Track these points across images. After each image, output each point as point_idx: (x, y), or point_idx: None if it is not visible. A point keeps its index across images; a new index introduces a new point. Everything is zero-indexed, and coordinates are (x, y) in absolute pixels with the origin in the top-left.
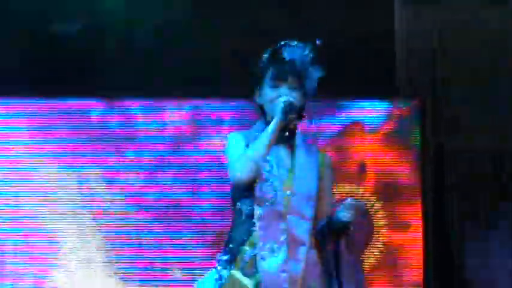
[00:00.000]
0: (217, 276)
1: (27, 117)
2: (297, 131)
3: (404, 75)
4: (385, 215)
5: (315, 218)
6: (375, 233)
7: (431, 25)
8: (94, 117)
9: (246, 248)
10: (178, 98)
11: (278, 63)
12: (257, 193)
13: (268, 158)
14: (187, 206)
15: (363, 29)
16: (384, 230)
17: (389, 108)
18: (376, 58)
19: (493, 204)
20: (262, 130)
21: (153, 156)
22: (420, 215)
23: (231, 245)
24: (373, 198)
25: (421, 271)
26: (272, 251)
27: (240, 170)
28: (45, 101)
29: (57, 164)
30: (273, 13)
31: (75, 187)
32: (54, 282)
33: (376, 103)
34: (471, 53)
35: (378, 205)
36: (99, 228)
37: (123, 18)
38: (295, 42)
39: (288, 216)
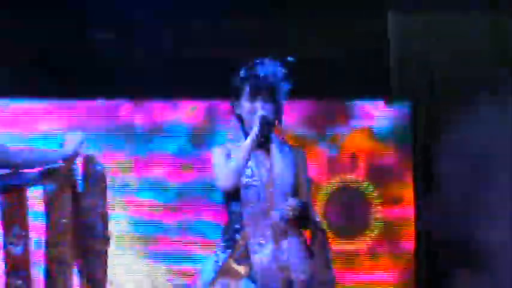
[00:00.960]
0: (216, 258)
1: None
2: (272, 135)
3: (398, 76)
4: (378, 195)
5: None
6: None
7: (424, 29)
8: (123, 117)
9: (240, 241)
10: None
11: (253, 79)
12: (242, 196)
13: (248, 163)
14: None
15: (359, 34)
16: (378, 207)
17: (382, 108)
18: (371, 61)
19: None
20: (239, 137)
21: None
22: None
23: (226, 235)
24: (367, 182)
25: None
26: (261, 245)
27: (224, 180)
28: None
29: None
30: (280, 19)
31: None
32: None
33: (371, 103)
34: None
35: (371, 188)
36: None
37: (151, 27)
38: (268, 60)
39: (272, 212)
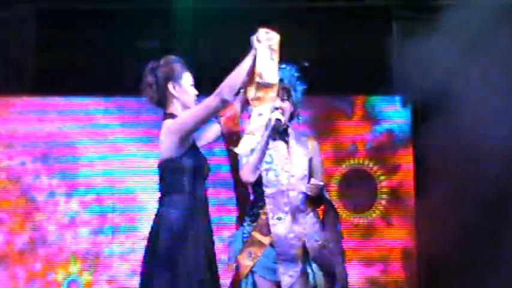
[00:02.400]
0: (243, 232)
1: (119, 113)
2: (289, 128)
3: (401, 77)
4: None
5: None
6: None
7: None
8: None
9: (262, 216)
10: None
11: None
12: (263, 178)
13: (268, 152)
14: None
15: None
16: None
17: (387, 104)
18: (377, 62)
19: None
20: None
21: None
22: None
23: (252, 212)
24: (372, 163)
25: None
26: (279, 219)
27: (246, 175)
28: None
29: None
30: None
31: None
32: None
33: (377, 99)
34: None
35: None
36: None
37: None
38: (284, 65)
39: (289, 192)
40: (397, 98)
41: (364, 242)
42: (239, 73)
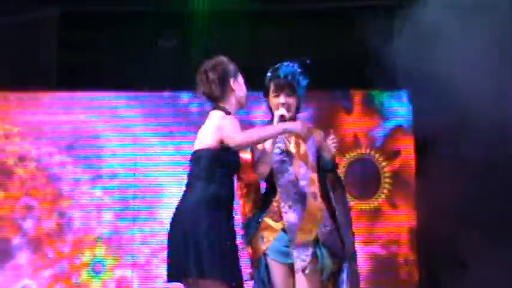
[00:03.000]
0: (257, 218)
1: (139, 107)
2: (296, 119)
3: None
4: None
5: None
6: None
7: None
8: (194, 108)
9: (274, 203)
10: None
11: (276, 79)
12: (275, 169)
13: (278, 145)
14: None
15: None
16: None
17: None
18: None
19: None
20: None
21: None
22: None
23: (264, 200)
24: (373, 152)
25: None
26: (290, 207)
27: (260, 168)
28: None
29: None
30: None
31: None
32: None
33: (377, 92)
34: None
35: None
36: None
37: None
38: (287, 62)
39: (299, 182)
40: (396, 91)
41: (373, 225)
42: (268, 136)
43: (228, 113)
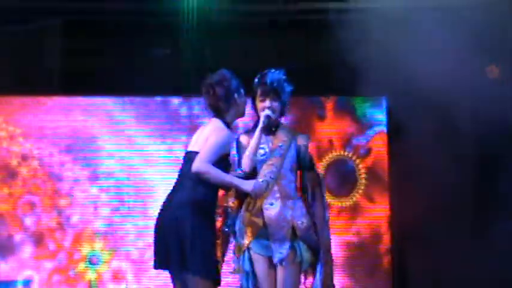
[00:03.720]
0: (241, 215)
1: (134, 111)
2: (280, 123)
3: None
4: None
5: (297, 179)
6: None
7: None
8: (183, 112)
9: (258, 202)
10: None
11: (262, 85)
12: (258, 168)
13: (262, 146)
14: None
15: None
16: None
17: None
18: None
19: None
20: (256, 127)
21: None
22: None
23: (248, 198)
24: (351, 155)
25: None
26: (271, 204)
27: (243, 166)
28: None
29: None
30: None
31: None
32: None
33: (358, 99)
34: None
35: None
36: None
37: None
38: (273, 70)
39: (280, 181)
40: (372, 97)
41: (352, 219)
42: (224, 184)
43: (226, 123)
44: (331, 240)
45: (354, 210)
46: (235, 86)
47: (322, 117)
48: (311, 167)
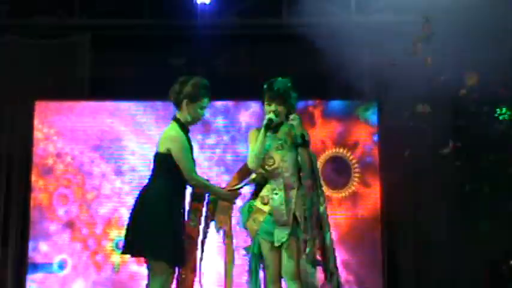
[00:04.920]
0: (250, 203)
1: (154, 113)
2: (284, 123)
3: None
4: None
5: (299, 171)
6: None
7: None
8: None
9: (264, 190)
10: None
11: (270, 91)
12: (265, 165)
13: (268, 143)
14: None
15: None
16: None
17: (354, 105)
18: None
19: None
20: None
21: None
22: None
23: (256, 188)
24: (344, 151)
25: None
26: (276, 194)
27: (250, 163)
28: None
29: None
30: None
31: None
32: None
33: (348, 102)
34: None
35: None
36: None
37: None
38: (280, 78)
39: (284, 174)
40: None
41: (353, 207)
42: (207, 190)
43: (182, 124)
44: (329, 225)
45: (355, 198)
46: (190, 94)
47: (312, 121)
48: (303, 143)
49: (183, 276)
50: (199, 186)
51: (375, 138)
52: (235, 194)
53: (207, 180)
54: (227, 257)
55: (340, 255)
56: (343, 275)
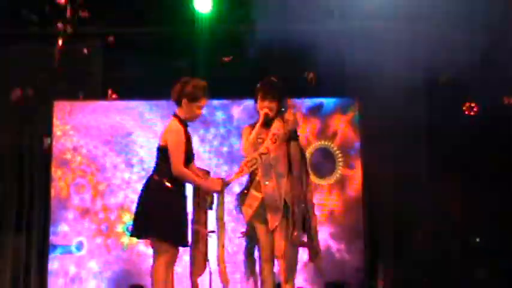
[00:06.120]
0: (245, 191)
1: (159, 111)
2: (276, 118)
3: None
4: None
5: (289, 162)
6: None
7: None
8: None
9: (257, 178)
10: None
11: (263, 88)
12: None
13: (261, 136)
14: None
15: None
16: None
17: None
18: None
19: None
20: (257, 122)
21: None
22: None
23: (250, 177)
24: (331, 144)
25: None
26: (268, 181)
27: (244, 151)
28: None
29: None
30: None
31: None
32: None
33: (334, 99)
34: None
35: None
36: None
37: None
38: (272, 77)
39: (276, 164)
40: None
41: (342, 191)
42: (191, 183)
43: (181, 120)
44: (315, 207)
45: (342, 181)
46: (189, 94)
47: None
48: (295, 138)
49: (195, 255)
50: (182, 178)
51: (354, 123)
52: (216, 184)
53: (195, 174)
54: (219, 241)
55: (329, 229)
56: (331, 245)
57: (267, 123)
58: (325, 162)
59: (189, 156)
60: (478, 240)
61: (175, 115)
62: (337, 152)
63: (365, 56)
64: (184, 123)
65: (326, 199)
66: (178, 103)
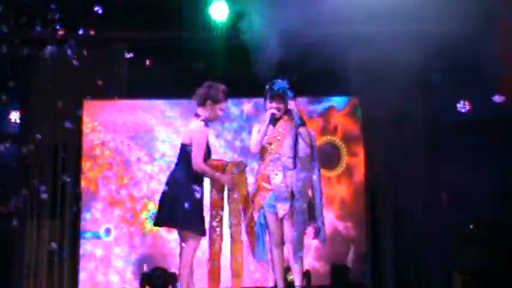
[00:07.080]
0: (255, 182)
1: (179, 109)
2: (283, 117)
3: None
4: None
5: (296, 156)
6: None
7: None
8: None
9: (266, 171)
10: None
11: (271, 90)
12: (267, 150)
13: (269, 133)
14: None
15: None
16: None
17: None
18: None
19: None
20: (265, 120)
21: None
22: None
23: (260, 170)
24: (335, 138)
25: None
26: (276, 174)
27: (252, 147)
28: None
29: None
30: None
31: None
32: None
33: (337, 98)
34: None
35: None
36: None
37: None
38: (279, 80)
39: (282, 158)
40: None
41: (350, 179)
42: (207, 175)
43: (203, 121)
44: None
45: (349, 170)
46: (213, 97)
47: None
48: (303, 123)
49: (214, 242)
50: (200, 171)
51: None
52: (226, 177)
53: (211, 168)
54: (233, 246)
55: (334, 212)
56: (336, 225)
57: (275, 122)
58: (332, 154)
59: (208, 152)
60: (471, 226)
61: (197, 115)
62: (341, 143)
63: (357, 55)
64: (206, 123)
65: (334, 188)
66: (201, 104)
